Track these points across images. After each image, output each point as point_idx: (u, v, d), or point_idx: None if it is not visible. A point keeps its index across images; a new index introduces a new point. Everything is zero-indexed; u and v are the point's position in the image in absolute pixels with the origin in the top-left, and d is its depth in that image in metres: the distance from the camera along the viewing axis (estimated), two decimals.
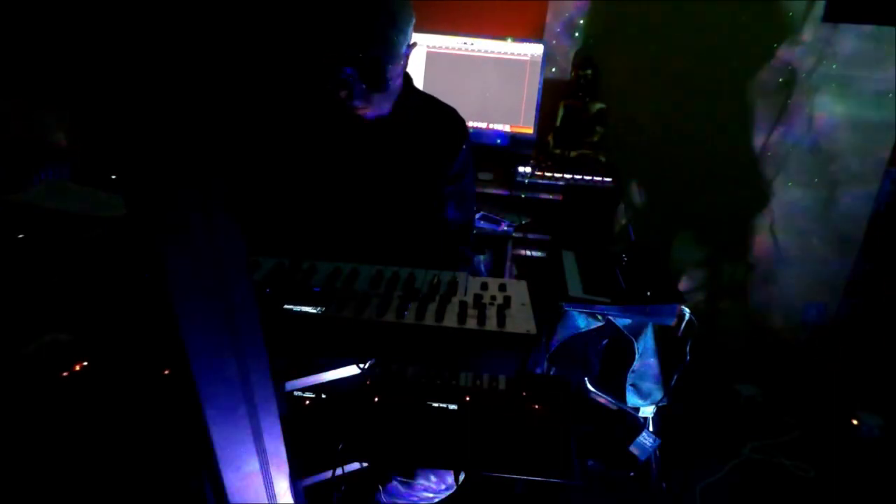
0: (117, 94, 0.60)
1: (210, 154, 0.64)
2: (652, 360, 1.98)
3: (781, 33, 2.64)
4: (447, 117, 1.53)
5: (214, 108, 0.62)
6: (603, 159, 2.64)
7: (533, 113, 2.63)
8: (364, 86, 1.29)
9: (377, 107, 1.37)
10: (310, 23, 1.28)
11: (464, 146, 1.52)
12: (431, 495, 1.39)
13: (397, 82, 1.38)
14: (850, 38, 2.61)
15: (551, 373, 2.02)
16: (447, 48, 2.54)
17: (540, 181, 2.50)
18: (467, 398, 0.99)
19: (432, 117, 1.51)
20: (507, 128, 2.66)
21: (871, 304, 2.95)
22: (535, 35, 2.69)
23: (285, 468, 0.86)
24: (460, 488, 1.39)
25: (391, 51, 1.30)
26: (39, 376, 0.89)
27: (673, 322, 1.85)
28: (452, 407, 0.98)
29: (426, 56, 2.56)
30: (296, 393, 0.98)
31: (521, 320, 0.91)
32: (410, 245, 1.45)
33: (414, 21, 1.36)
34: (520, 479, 0.99)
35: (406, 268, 1.04)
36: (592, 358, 2.06)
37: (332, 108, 1.38)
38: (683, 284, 2.99)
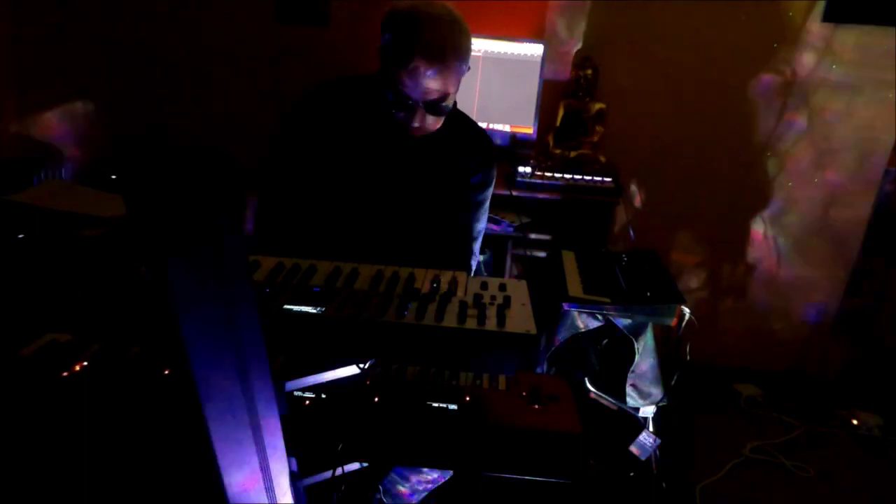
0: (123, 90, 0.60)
1: (210, 154, 0.64)
2: (652, 360, 1.97)
3: (781, 33, 2.64)
4: (477, 136, 1.63)
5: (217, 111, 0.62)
6: (603, 159, 2.64)
7: (533, 113, 2.62)
8: (426, 112, 1.40)
9: (431, 126, 1.46)
10: (386, 58, 1.38)
11: (488, 165, 1.62)
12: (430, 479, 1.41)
13: (452, 104, 1.48)
14: (850, 38, 2.61)
15: (551, 373, 2.02)
16: None
17: (540, 181, 2.50)
18: (467, 398, 0.99)
19: (463, 133, 1.59)
20: (507, 128, 2.66)
21: (871, 304, 2.95)
22: (535, 35, 2.69)
23: (285, 468, 0.86)
24: (461, 488, 1.39)
25: (457, 85, 1.42)
26: (39, 376, 0.89)
27: (673, 322, 1.85)
28: (452, 407, 0.98)
29: None
30: (296, 393, 0.98)
31: (521, 320, 0.91)
32: (425, 248, 1.51)
33: None
34: (519, 479, 0.99)
35: (406, 267, 1.04)
36: (592, 358, 2.06)
37: (379, 120, 1.46)
38: (683, 284, 2.99)
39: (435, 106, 1.40)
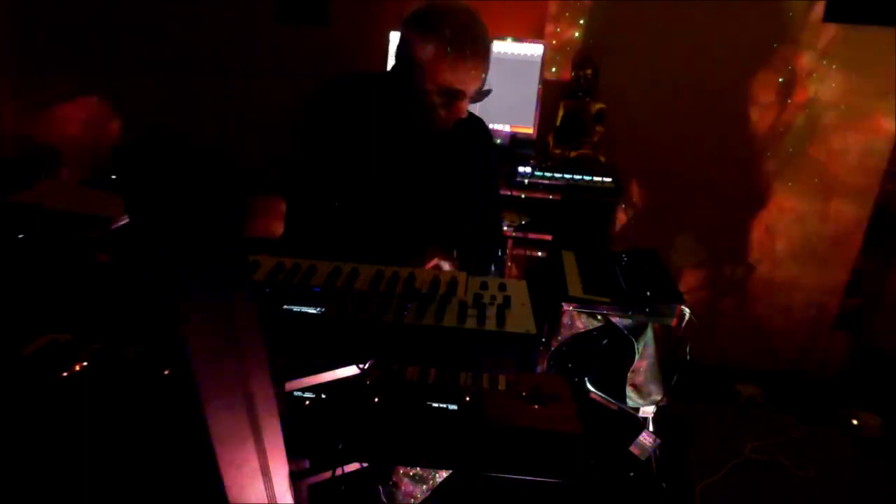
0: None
1: (209, 153, 0.64)
2: (652, 360, 1.97)
3: (781, 33, 2.64)
4: (478, 126, 1.70)
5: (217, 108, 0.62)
6: (603, 159, 2.64)
7: (533, 113, 2.62)
8: (469, 101, 1.48)
9: (460, 113, 1.52)
10: (420, 57, 1.44)
11: (492, 152, 1.71)
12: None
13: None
14: (851, 38, 2.61)
15: (551, 373, 2.02)
16: None
17: (540, 181, 2.50)
18: (467, 398, 0.99)
19: (466, 123, 1.63)
20: (507, 128, 2.66)
21: (871, 304, 2.95)
22: (535, 35, 2.69)
23: (285, 468, 0.86)
24: (461, 488, 1.39)
25: (483, 82, 1.49)
26: (39, 376, 0.89)
27: (673, 322, 1.85)
28: (452, 407, 0.98)
29: None
30: (296, 393, 0.98)
31: (521, 320, 0.91)
32: (451, 242, 1.56)
33: None
34: (519, 479, 0.99)
35: (406, 267, 1.04)
36: (592, 358, 2.06)
37: (392, 118, 1.52)
38: (683, 284, 2.99)
39: (477, 92, 1.48)
